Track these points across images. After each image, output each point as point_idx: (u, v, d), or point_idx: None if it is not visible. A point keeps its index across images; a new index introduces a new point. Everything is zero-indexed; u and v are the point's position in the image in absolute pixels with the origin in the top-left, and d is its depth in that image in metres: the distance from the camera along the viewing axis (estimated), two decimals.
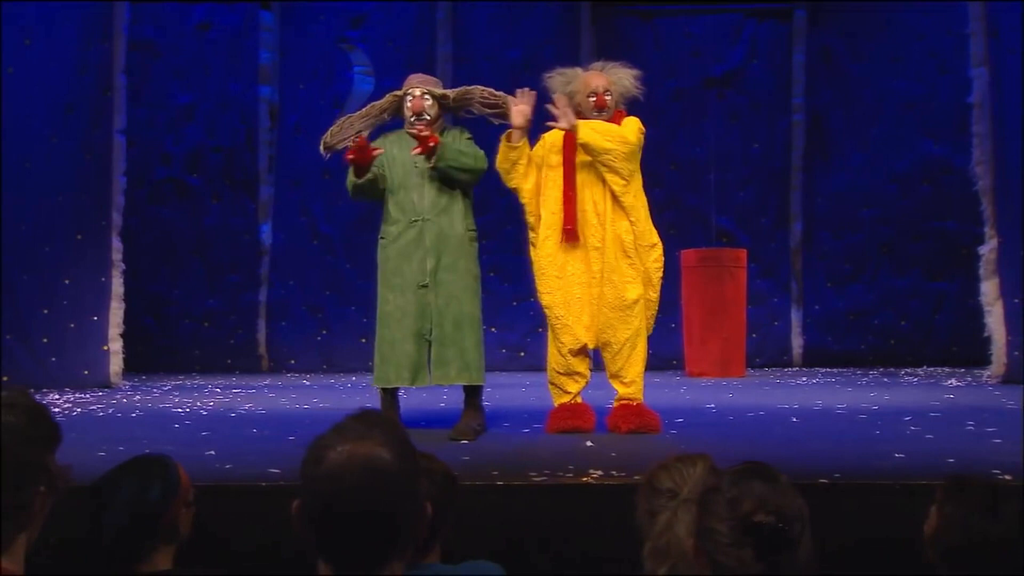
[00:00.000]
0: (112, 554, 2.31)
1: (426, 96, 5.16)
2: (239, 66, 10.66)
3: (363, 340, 9.51)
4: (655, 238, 5.23)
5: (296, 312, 10.65)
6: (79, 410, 6.40)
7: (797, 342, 10.64)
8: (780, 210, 10.70)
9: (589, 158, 5.10)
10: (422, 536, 1.65)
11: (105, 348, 8.29)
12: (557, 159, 5.20)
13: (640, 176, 5.25)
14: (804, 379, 8.89)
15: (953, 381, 8.34)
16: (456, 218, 5.15)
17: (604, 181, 5.12)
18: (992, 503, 2.22)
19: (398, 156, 5.18)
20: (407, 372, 5.07)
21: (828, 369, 10.05)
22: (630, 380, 5.15)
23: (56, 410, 5.96)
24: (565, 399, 5.21)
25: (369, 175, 5.07)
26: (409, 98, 5.18)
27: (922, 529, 2.35)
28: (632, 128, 5.14)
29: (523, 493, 3.49)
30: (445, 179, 5.12)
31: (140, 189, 10.12)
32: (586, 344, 5.21)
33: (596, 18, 10.56)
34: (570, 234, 5.15)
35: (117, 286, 8.42)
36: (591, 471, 3.70)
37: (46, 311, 8.06)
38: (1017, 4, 7.91)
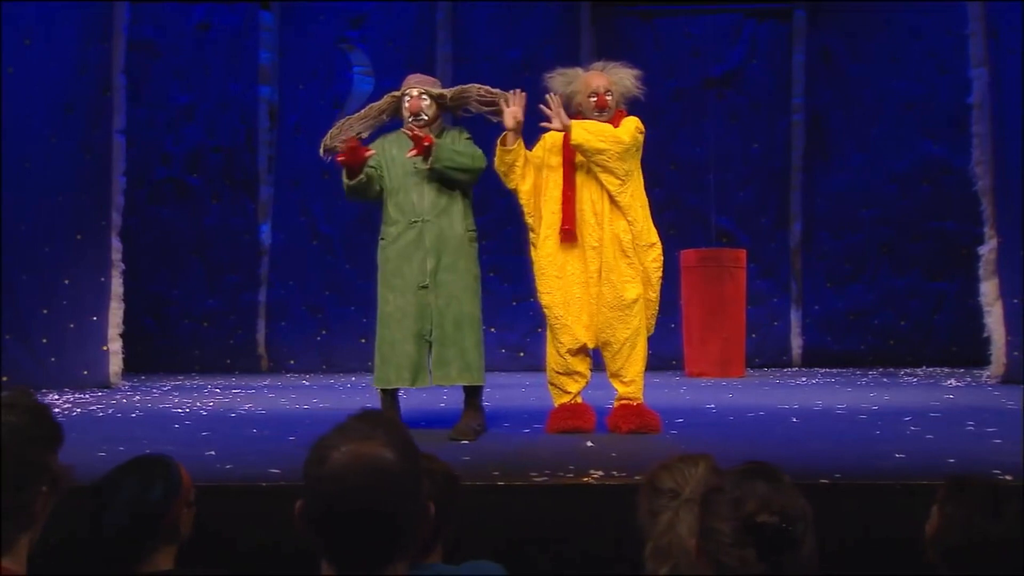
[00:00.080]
0: (113, 554, 2.31)
1: (424, 96, 5.16)
2: (239, 66, 10.66)
3: (363, 340, 9.51)
4: (654, 237, 5.23)
5: (296, 312, 10.65)
6: (79, 410, 6.39)
7: (797, 342, 10.64)
8: (780, 210, 10.70)
9: None
10: (425, 536, 1.65)
11: (105, 348, 8.29)
12: (557, 160, 5.21)
13: (640, 176, 5.26)
14: (804, 379, 8.90)
15: (953, 381, 8.34)
16: (456, 219, 5.15)
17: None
18: (993, 503, 2.22)
19: (397, 157, 5.18)
20: (407, 373, 5.07)
21: (828, 369, 10.05)
22: (630, 379, 5.15)
23: (56, 410, 5.93)
24: (565, 399, 5.21)
25: (361, 176, 5.07)
26: (407, 99, 5.18)
27: (923, 529, 2.35)
28: (628, 128, 5.14)
29: (524, 493, 3.50)
30: (444, 180, 5.12)
31: (140, 189, 10.13)
32: (585, 344, 5.21)
33: (596, 18, 10.56)
34: (568, 234, 5.16)
35: (117, 286, 8.42)
36: (592, 471, 3.70)
37: (46, 311, 8.06)
38: (1017, 4, 7.91)
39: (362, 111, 5.35)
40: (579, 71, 5.33)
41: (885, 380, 8.67)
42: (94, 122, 8.35)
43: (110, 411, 6.43)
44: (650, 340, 5.29)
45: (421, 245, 5.10)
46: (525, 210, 5.28)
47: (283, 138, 10.71)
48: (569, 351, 5.19)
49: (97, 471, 2.53)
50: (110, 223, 8.40)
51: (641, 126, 5.20)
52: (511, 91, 5.13)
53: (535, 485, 3.54)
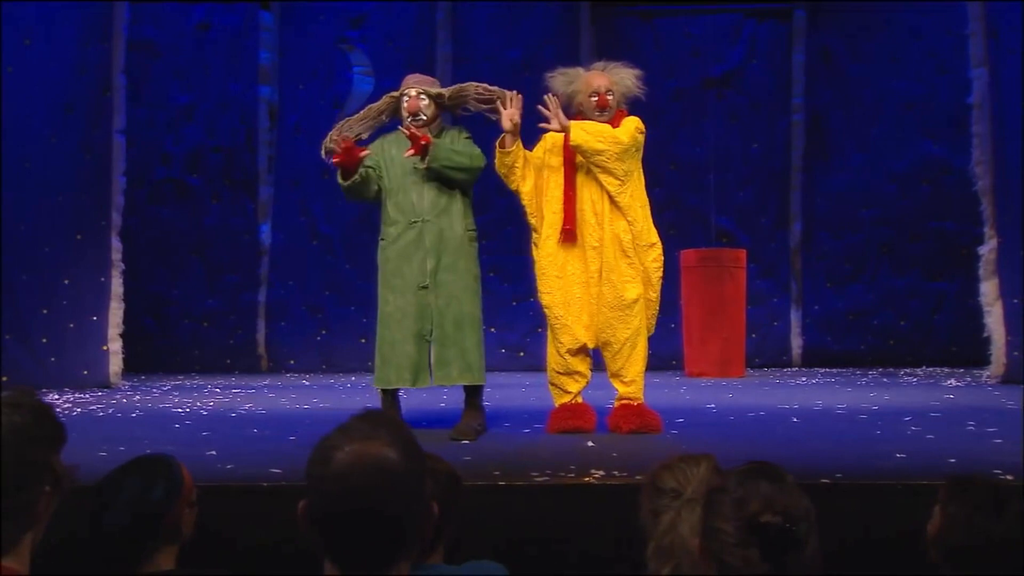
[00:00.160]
0: (115, 554, 2.30)
1: (422, 96, 5.16)
2: (239, 66, 10.66)
3: (363, 340, 9.51)
4: (654, 237, 5.23)
5: (295, 312, 10.65)
6: (79, 410, 6.39)
7: (796, 342, 10.64)
8: (780, 210, 10.70)
9: None
10: (428, 536, 1.65)
11: (105, 348, 8.29)
12: (557, 160, 5.21)
13: (640, 176, 5.26)
14: (804, 379, 8.90)
15: (952, 381, 8.34)
16: (455, 218, 5.15)
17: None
18: (996, 503, 2.23)
19: (396, 157, 5.18)
20: (408, 373, 5.07)
21: (827, 369, 10.05)
22: (630, 379, 5.16)
23: (56, 410, 5.95)
24: (566, 399, 5.22)
25: (356, 177, 5.07)
26: (405, 99, 5.18)
27: (925, 529, 2.35)
28: (628, 128, 5.14)
29: (525, 493, 3.50)
30: (444, 179, 5.12)
31: (140, 189, 10.12)
32: (586, 344, 5.21)
33: (596, 18, 10.56)
34: (569, 234, 5.16)
35: (117, 286, 8.42)
36: (593, 471, 3.71)
37: (46, 311, 8.05)
38: (1017, 4, 7.91)
39: (361, 112, 5.35)
40: (580, 71, 5.33)
41: (885, 380, 8.67)
42: (94, 122, 8.34)
43: (110, 411, 6.43)
44: (650, 340, 5.29)
45: (421, 245, 5.09)
46: (527, 211, 5.28)
47: (283, 138, 10.71)
48: (569, 351, 5.19)
49: (98, 471, 2.53)
50: (110, 223, 8.40)
51: (641, 126, 5.20)
52: (510, 93, 5.12)
53: (536, 485, 3.54)
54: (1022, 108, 7.84)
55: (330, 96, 10.62)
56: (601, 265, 5.15)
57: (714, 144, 10.55)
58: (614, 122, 5.18)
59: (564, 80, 5.25)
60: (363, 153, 5.09)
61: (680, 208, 10.43)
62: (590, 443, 4.62)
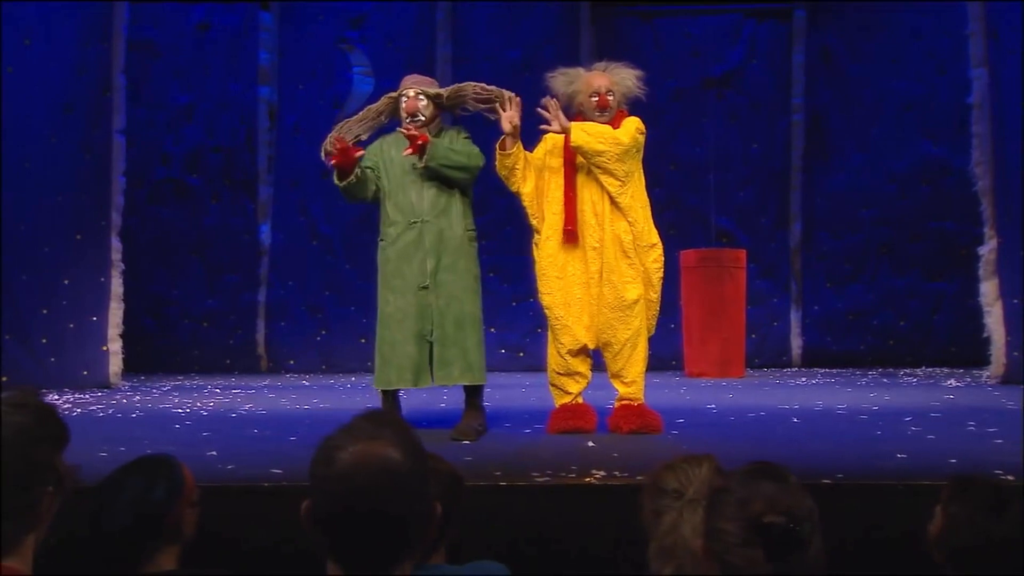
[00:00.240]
0: (117, 554, 2.30)
1: (420, 96, 5.16)
2: (238, 66, 10.66)
3: (362, 340, 9.51)
4: (655, 238, 5.24)
5: (295, 312, 10.65)
6: (79, 410, 6.39)
7: (796, 342, 10.64)
8: (780, 210, 10.70)
9: None
10: (432, 536, 1.65)
11: (104, 348, 8.29)
12: (558, 161, 5.21)
13: (641, 176, 5.26)
14: (804, 379, 8.90)
15: (952, 381, 8.34)
16: (455, 219, 5.15)
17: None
18: (997, 503, 2.23)
19: (396, 158, 5.18)
20: (409, 374, 5.07)
21: (827, 369, 10.05)
22: (631, 380, 5.16)
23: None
24: (566, 399, 5.22)
25: (351, 178, 5.07)
26: (404, 99, 5.18)
27: (926, 529, 2.35)
28: (628, 129, 5.14)
29: (526, 493, 3.50)
30: (443, 179, 5.12)
31: (139, 189, 10.12)
32: (586, 344, 5.21)
33: (596, 18, 10.56)
34: (570, 235, 5.16)
35: (116, 286, 8.41)
36: (594, 471, 3.71)
37: (45, 311, 8.05)
38: (1017, 4, 7.90)
39: (360, 113, 5.35)
40: (581, 71, 5.33)
41: (885, 380, 8.68)
42: (94, 122, 8.34)
43: (110, 411, 6.43)
44: (650, 340, 5.29)
45: (421, 246, 5.09)
46: (529, 212, 5.28)
47: (282, 138, 10.71)
48: (570, 352, 5.19)
49: (98, 471, 2.53)
50: (110, 223, 8.40)
51: (642, 127, 5.20)
52: (509, 95, 5.11)
53: (537, 485, 3.54)
54: (1022, 108, 7.84)
55: (330, 96, 10.62)
56: (601, 266, 5.15)
57: (714, 144, 10.55)
58: (614, 123, 5.18)
59: (564, 80, 5.25)
60: (359, 153, 5.09)
61: (680, 208, 10.43)
62: (591, 443, 4.62)
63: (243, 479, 3.70)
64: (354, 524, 1.55)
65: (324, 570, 1.63)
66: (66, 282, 8.14)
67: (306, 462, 1.64)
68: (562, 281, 5.19)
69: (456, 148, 5.09)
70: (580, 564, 3.32)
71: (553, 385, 5.28)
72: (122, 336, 8.44)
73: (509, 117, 5.07)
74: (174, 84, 10.61)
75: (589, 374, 5.28)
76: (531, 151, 5.26)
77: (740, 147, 10.66)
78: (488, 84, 5.26)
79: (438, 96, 5.20)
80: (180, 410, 6.41)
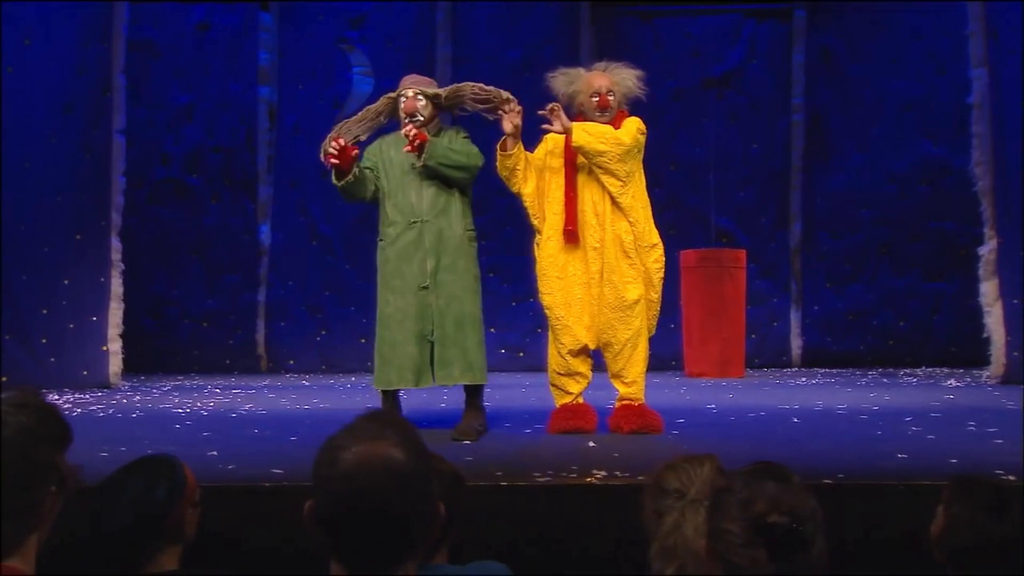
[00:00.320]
0: (118, 554, 2.30)
1: (419, 97, 5.16)
2: (238, 66, 10.66)
3: (362, 340, 9.50)
4: (655, 238, 5.24)
5: (295, 312, 10.64)
6: (79, 411, 6.39)
7: (796, 343, 10.64)
8: (780, 210, 10.70)
9: None
10: (435, 537, 1.65)
11: (104, 348, 8.29)
12: (558, 162, 5.21)
13: (641, 176, 5.26)
14: (803, 379, 8.90)
15: (952, 381, 8.34)
16: (455, 219, 5.15)
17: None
18: (999, 503, 2.23)
19: (395, 158, 5.18)
20: (410, 374, 5.07)
21: (827, 370, 10.05)
22: (631, 380, 5.16)
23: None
24: (567, 400, 5.22)
25: (349, 177, 5.07)
26: (403, 99, 5.18)
27: (928, 529, 2.35)
28: (629, 129, 5.14)
29: (527, 493, 3.50)
30: (442, 179, 5.11)
31: (139, 189, 10.12)
32: (587, 345, 5.21)
33: (596, 18, 10.56)
34: (571, 235, 5.16)
35: (116, 286, 8.41)
36: (595, 471, 3.70)
37: (45, 311, 8.05)
38: (1017, 4, 7.90)
39: (359, 114, 5.35)
40: (581, 71, 5.33)
41: (885, 380, 8.68)
42: (94, 122, 8.34)
43: (110, 411, 6.43)
44: (650, 340, 5.29)
45: (421, 245, 5.09)
46: (530, 212, 5.28)
47: (282, 138, 10.71)
48: (570, 352, 5.19)
49: (99, 472, 2.53)
50: (110, 223, 8.40)
51: (643, 127, 5.20)
52: (509, 101, 5.11)
53: (538, 485, 3.54)
54: (1022, 108, 7.84)
55: (329, 96, 10.62)
56: (602, 266, 5.15)
57: (714, 144, 10.55)
58: (615, 123, 5.18)
59: (565, 80, 5.25)
60: (355, 152, 5.09)
61: (680, 208, 10.43)
62: (591, 443, 4.62)
63: (244, 479, 3.70)
64: (357, 524, 1.55)
65: (326, 570, 1.63)
66: (66, 282, 8.14)
67: (307, 462, 1.64)
68: (563, 281, 5.19)
69: (455, 148, 5.09)
70: (581, 564, 3.32)
71: (554, 385, 5.28)
72: (122, 336, 8.44)
73: (510, 118, 5.07)
74: (174, 84, 10.61)
75: (590, 374, 5.28)
76: (531, 151, 5.26)
77: (740, 147, 10.66)
78: (487, 84, 5.26)
79: (436, 96, 5.20)
80: (180, 410, 6.40)
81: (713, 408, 6.36)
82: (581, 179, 5.17)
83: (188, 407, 6.59)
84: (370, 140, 5.35)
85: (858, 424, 5.40)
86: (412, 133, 5.01)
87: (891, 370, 9.79)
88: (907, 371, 9.66)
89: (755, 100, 10.68)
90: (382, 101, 5.31)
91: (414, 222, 5.11)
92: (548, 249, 5.21)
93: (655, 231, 5.24)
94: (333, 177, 5.11)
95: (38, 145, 8.02)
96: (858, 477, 3.58)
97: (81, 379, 8.09)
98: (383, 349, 5.13)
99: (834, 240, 10.66)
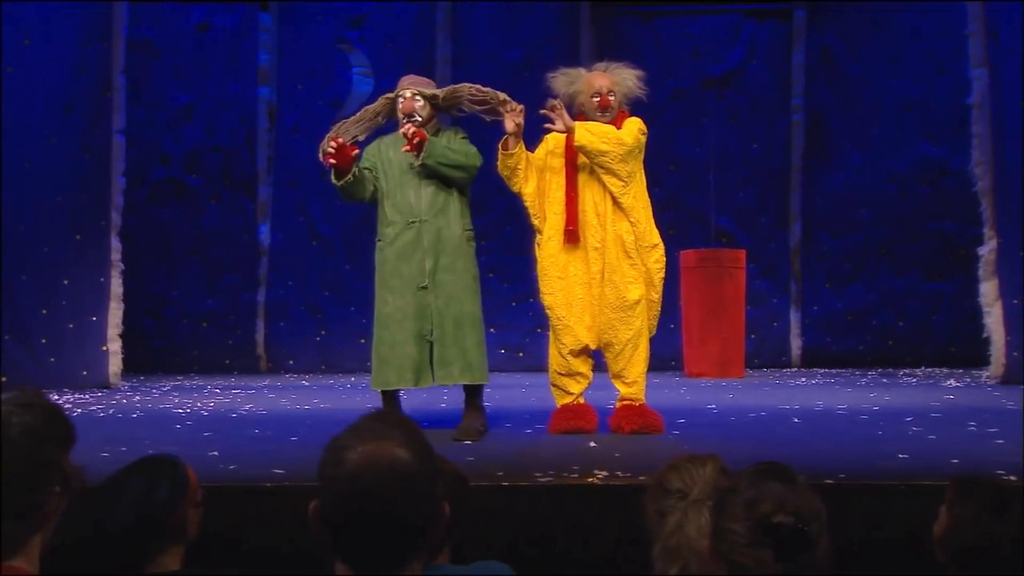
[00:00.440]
0: (120, 554, 2.30)
1: (417, 97, 5.16)
2: (238, 67, 10.66)
3: (362, 340, 9.48)
4: (656, 238, 5.24)
5: (295, 312, 10.64)
6: (79, 411, 6.38)
7: (796, 343, 10.64)
8: (779, 210, 10.70)
9: None
10: (440, 537, 1.65)
11: (104, 348, 8.29)
12: (559, 162, 5.21)
13: (642, 177, 5.26)
14: (803, 380, 8.90)
15: (952, 382, 8.34)
16: (453, 219, 5.15)
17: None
18: (1002, 504, 2.23)
19: (393, 159, 5.19)
20: (410, 374, 5.06)
21: (827, 370, 10.04)
22: (632, 380, 5.16)
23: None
24: (567, 400, 5.22)
25: (349, 177, 5.07)
26: (401, 100, 5.19)
27: (930, 529, 2.35)
28: (631, 129, 5.14)
29: (528, 494, 3.49)
30: (441, 179, 5.11)
31: (139, 189, 10.12)
32: (588, 345, 5.21)
33: (596, 18, 10.56)
34: (572, 235, 5.16)
35: (116, 286, 8.42)
36: (596, 471, 3.70)
37: (45, 311, 8.05)
38: (1016, 4, 7.90)
39: (357, 114, 5.35)
40: (582, 71, 5.33)
41: (884, 380, 8.68)
42: (94, 122, 8.34)
43: (110, 411, 6.43)
44: (650, 341, 5.28)
45: (419, 245, 5.09)
46: (530, 212, 5.28)
47: (282, 138, 10.71)
48: (571, 352, 5.19)
49: (100, 472, 2.52)
50: (109, 223, 8.40)
51: (644, 127, 5.20)
52: (510, 103, 5.10)
53: (539, 485, 3.54)
54: (1022, 108, 7.84)
55: (329, 96, 10.62)
56: (603, 266, 5.15)
57: (714, 144, 10.55)
58: (616, 123, 5.18)
59: (566, 80, 5.25)
60: (355, 152, 5.09)
61: (680, 208, 10.43)
62: (592, 444, 4.62)
63: (245, 479, 3.70)
64: (363, 524, 1.54)
65: (327, 570, 1.63)
66: (66, 282, 8.13)
67: (308, 462, 1.64)
68: (564, 281, 5.19)
69: (454, 147, 5.09)
70: (583, 564, 3.32)
71: (554, 385, 5.28)
72: (122, 336, 8.44)
73: (512, 117, 5.07)
74: (174, 84, 10.61)
75: (590, 374, 5.28)
76: (532, 151, 5.26)
77: (740, 147, 10.66)
78: (487, 84, 5.26)
79: (434, 97, 5.20)
80: (180, 410, 6.40)
81: (713, 408, 6.36)
82: (582, 179, 5.18)
83: (188, 407, 6.58)
84: (369, 140, 5.35)
85: (859, 424, 5.40)
86: (411, 132, 5.01)
87: (891, 370, 9.79)
88: (907, 371, 9.65)
89: (755, 100, 10.68)
90: (380, 101, 5.32)
91: (413, 222, 5.10)
92: (549, 249, 5.21)
93: (656, 231, 5.24)
94: (332, 177, 5.11)
95: (38, 145, 8.02)
96: (859, 477, 3.58)
97: (81, 379, 8.09)
98: (381, 349, 5.13)
99: (834, 240, 10.66)
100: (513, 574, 2.16)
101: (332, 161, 5.04)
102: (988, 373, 8.29)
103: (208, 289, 10.64)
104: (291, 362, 10.56)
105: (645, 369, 5.22)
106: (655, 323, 5.29)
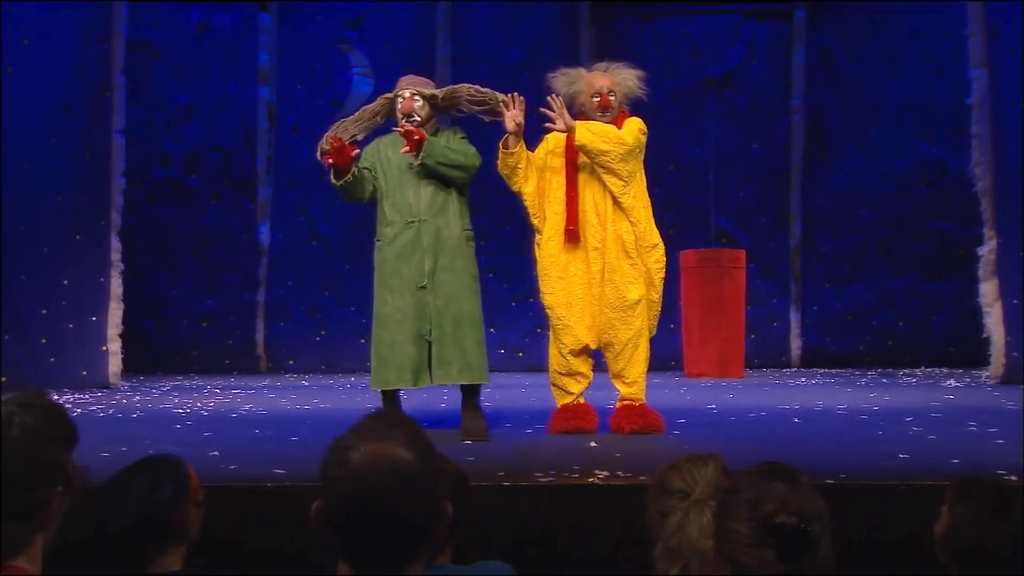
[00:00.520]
0: (122, 554, 2.30)
1: (416, 97, 5.16)
2: (238, 67, 10.67)
3: (362, 341, 9.46)
4: (657, 238, 5.24)
5: (294, 312, 10.64)
6: (79, 411, 6.38)
7: (796, 343, 10.64)
8: (779, 210, 10.71)
9: None
10: (442, 537, 1.65)
11: (104, 348, 8.28)
12: (559, 161, 5.21)
13: (643, 177, 5.26)
14: (803, 380, 8.90)
15: (952, 382, 8.35)
16: (452, 218, 5.15)
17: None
18: (1004, 504, 2.23)
19: (392, 158, 5.18)
20: (409, 374, 5.06)
21: (826, 370, 10.05)
22: (632, 380, 5.16)
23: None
24: (568, 400, 5.22)
25: (349, 176, 5.07)
26: (400, 100, 5.19)
27: (931, 529, 2.35)
28: (631, 129, 5.14)
29: (529, 494, 3.50)
30: (440, 179, 5.11)
31: (139, 189, 10.12)
32: (588, 345, 5.21)
33: (596, 18, 10.57)
34: (572, 235, 5.16)
35: (116, 286, 8.42)
36: (597, 471, 3.70)
37: (45, 311, 8.05)
38: (1016, 4, 7.90)
39: (356, 113, 5.35)
40: (582, 71, 5.33)
41: (884, 381, 8.68)
42: (94, 122, 8.34)
43: (111, 412, 6.43)
44: (650, 340, 5.28)
45: (419, 245, 5.09)
46: (530, 212, 5.28)
47: (282, 138, 10.71)
48: (571, 352, 5.19)
49: (100, 472, 2.52)
50: (109, 223, 8.40)
51: (644, 127, 5.20)
52: (510, 94, 5.12)
53: (540, 485, 3.54)
54: (1022, 109, 7.84)
55: (328, 96, 10.62)
56: (603, 266, 5.15)
57: (714, 144, 10.56)
58: (616, 123, 5.18)
59: (566, 81, 5.25)
60: (354, 152, 5.09)
61: (680, 208, 10.43)
62: (593, 444, 4.62)
63: (245, 479, 3.70)
64: (365, 524, 1.54)
65: (328, 570, 1.63)
66: (65, 282, 8.14)
67: (309, 462, 1.64)
68: (564, 281, 5.19)
69: (453, 147, 5.09)
70: (584, 564, 3.32)
71: (555, 385, 5.28)
72: (121, 336, 8.44)
73: (513, 116, 5.07)
74: (173, 84, 10.61)
75: (591, 374, 5.28)
76: (532, 151, 5.26)
77: (740, 147, 10.67)
78: (487, 85, 5.26)
79: (433, 97, 5.20)
80: (180, 410, 6.40)
81: (714, 408, 6.36)
82: (582, 179, 5.18)
83: (188, 407, 6.58)
84: (368, 140, 5.34)
85: (859, 424, 5.40)
86: (410, 130, 5.01)
87: (890, 370, 9.79)
88: (906, 371, 9.66)
89: (755, 100, 10.68)
90: (379, 101, 5.31)
91: (412, 222, 5.10)
92: (549, 249, 5.21)
93: (656, 231, 5.24)
94: (332, 177, 5.11)
95: (38, 145, 8.02)
96: (860, 477, 3.58)
97: (81, 379, 8.09)
98: (381, 349, 5.13)
99: (834, 240, 10.67)
100: (515, 574, 2.16)
101: (330, 160, 5.04)
102: (988, 373, 8.30)
103: (208, 289, 10.64)
104: (291, 362, 10.56)
105: (645, 369, 5.22)
106: (655, 323, 5.29)
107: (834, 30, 10.64)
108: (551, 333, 5.30)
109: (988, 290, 8.28)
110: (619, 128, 5.14)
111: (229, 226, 10.68)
